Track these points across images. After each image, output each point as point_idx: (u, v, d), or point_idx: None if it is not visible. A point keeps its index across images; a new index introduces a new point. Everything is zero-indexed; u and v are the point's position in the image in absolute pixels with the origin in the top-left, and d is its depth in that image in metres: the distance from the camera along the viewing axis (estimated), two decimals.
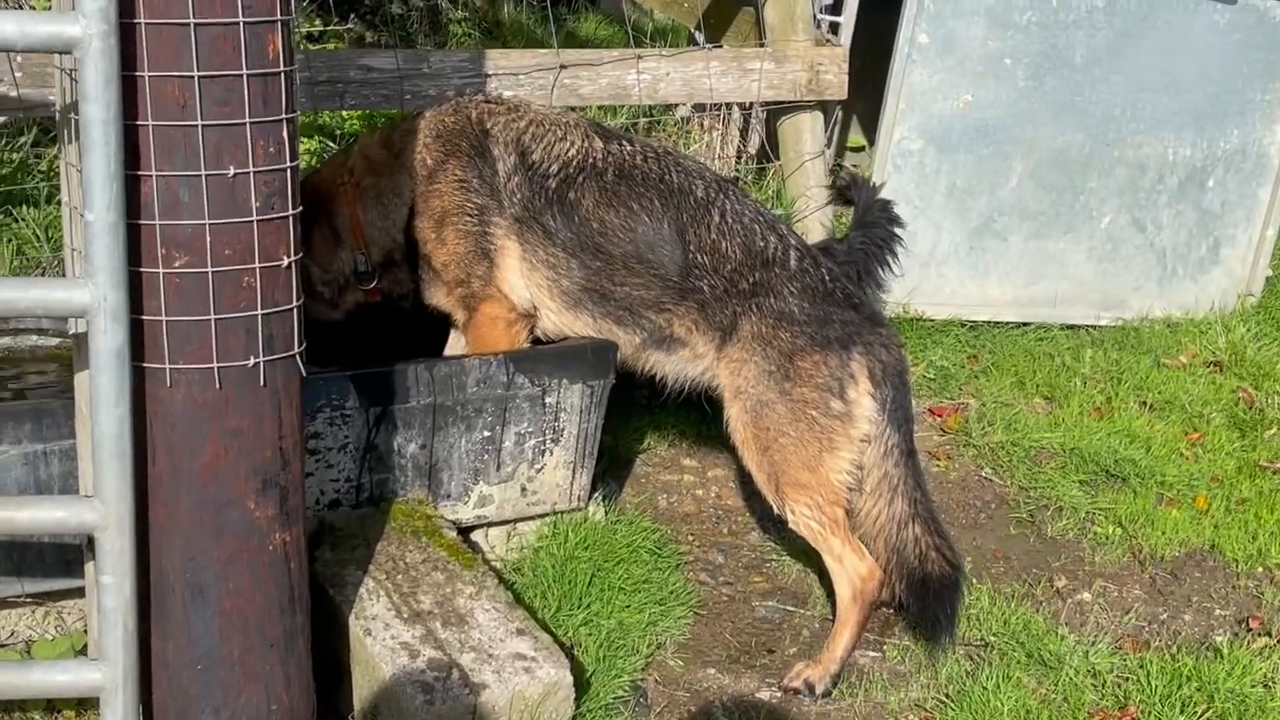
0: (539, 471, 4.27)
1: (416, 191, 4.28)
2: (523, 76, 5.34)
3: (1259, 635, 4.47)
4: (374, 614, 3.59)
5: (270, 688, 3.14)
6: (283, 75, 2.93)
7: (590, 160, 4.30)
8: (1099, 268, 6.74)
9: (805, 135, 6.17)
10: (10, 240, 5.03)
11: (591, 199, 4.25)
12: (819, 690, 4.09)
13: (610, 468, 5.23)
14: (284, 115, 2.95)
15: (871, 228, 5.52)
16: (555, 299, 4.32)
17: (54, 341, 4.34)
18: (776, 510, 4.27)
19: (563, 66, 5.42)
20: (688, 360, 4.36)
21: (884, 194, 5.68)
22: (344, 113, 6.04)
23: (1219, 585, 4.84)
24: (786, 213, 6.23)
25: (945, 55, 6.19)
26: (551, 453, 4.27)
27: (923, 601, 4.21)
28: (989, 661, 4.25)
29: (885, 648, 4.38)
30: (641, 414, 5.45)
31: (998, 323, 6.70)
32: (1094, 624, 4.54)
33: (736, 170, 6.95)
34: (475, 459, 4.15)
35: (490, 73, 5.26)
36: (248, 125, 2.88)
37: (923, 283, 6.54)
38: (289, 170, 2.98)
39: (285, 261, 3.00)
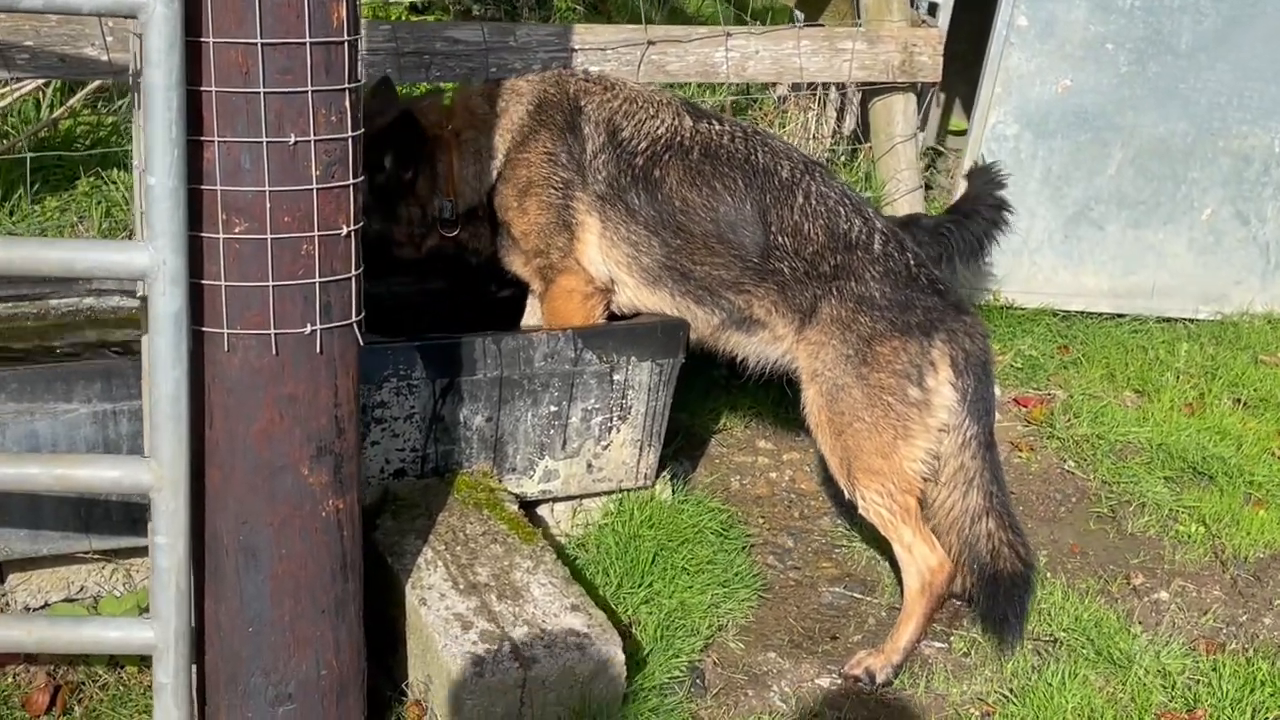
0: (605, 448, 4.26)
1: (508, 156, 4.27)
2: (609, 52, 5.32)
3: None
4: (430, 584, 3.60)
5: (320, 653, 3.16)
6: (346, 44, 2.94)
7: (678, 138, 4.27)
8: (1199, 260, 6.57)
9: (897, 117, 6.08)
10: (100, 202, 5.12)
11: (675, 177, 4.23)
12: (879, 679, 4.04)
13: (684, 447, 5.21)
14: (346, 84, 2.96)
15: (970, 217, 5.42)
16: (634, 275, 4.30)
17: (135, 303, 4.41)
18: (848, 495, 4.22)
19: (650, 43, 5.39)
20: (767, 342, 4.32)
21: (1008, 209, 5.54)
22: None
23: None
24: (876, 196, 6.15)
25: (1045, 39, 6.06)
26: (618, 430, 4.25)
27: (993, 598, 4.13)
28: (1056, 658, 4.17)
29: (952, 639, 4.31)
30: (719, 394, 5.42)
31: (1091, 313, 6.57)
32: (1169, 623, 4.44)
33: (831, 151, 6.87)
34: (541, 433, 4.14)
35: (577, 47, 5.25)
36: (309, 93, 2.90)
37: (1014, 270, 6.43)
38: (350, 140, 2.99)
39: (345, 230, 3.01)
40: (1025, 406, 5.80)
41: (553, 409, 4.13)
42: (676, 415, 5.30)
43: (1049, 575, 4.62)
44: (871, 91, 6.11)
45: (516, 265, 4.40)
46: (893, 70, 5.86)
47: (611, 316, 4.43)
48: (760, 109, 7.39)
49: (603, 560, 4.23)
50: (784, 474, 5.19)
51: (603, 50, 5.29)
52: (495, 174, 4.29)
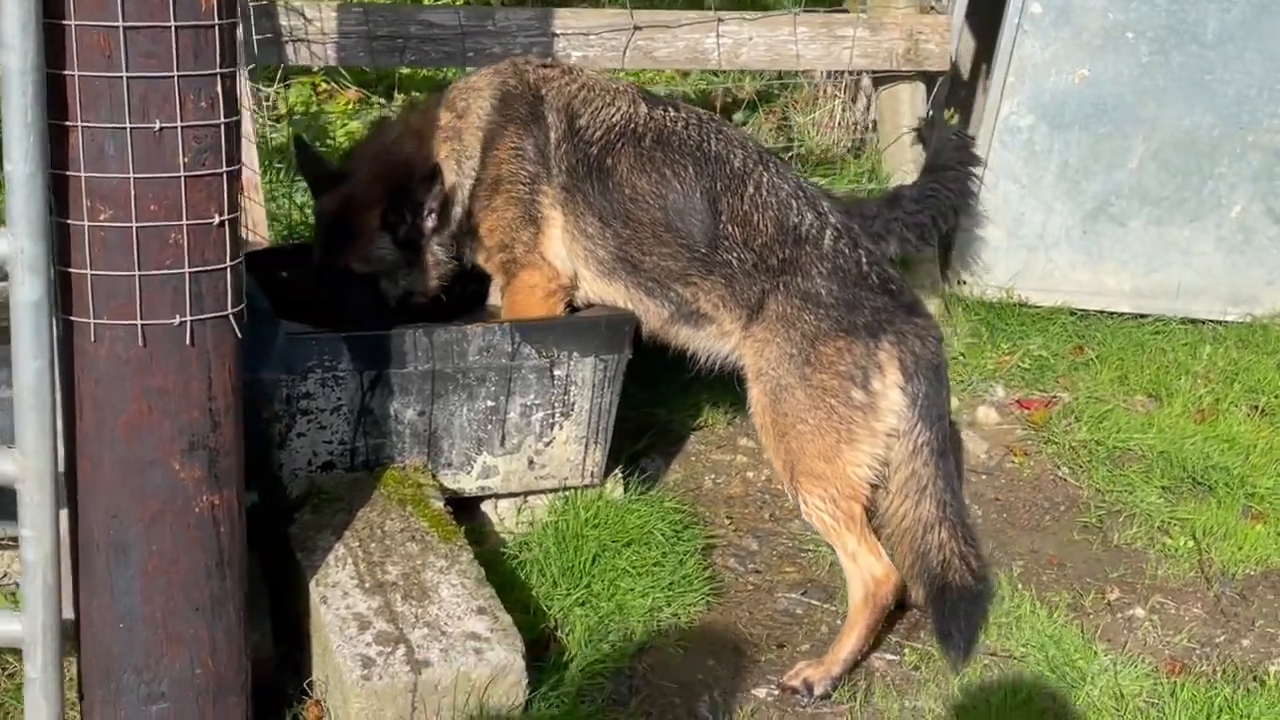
0: (548, 445, 4.15)
1: (481, 156, 4.18)
2: (593, 37, 5.20)
3: None
4: (335, 581, 3.52)
5: (195, 651, 3.09)
6: (218, 29, 2.85)
7: (632, 126, 4.16)
8: (1228, 259, 6.29)
9: (903, 107, 5.89)
10: None
11: (626, 164, 4.11)
12: (817, 691, 3.89)
13: (659, 443, 5.10)
14: (219, 69, 2.87)
15: (943, 170, 5.24)
16: (591, 268, 4.19)
17: None
18: (791, 500, 4.07)
19: (636, 28, 5.26)
20: (715, 337, 4.19)
21: (975, 147, 5.40)
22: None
23: None
24: (880, 187, 5.96)
25: (1060, 26, 5.82)
26: (561, 427, 4.14)
27: (939, 612, 3.96)
28: (1008, 675, 3.99)
29: (906, 651, 4.14)
30: (700, 389, 5.28)
31: (1111, 313, 6.32)
32: (1139, 642, 4.24)
33: (855, 139, 6.68)
34: (478, 429, 4.05)
35: (558, 32, 5.14)
36: (176, 78, 2.81)
37: (1029, 266, 6.21)
38: (224, 126, 2.90)
39: (217, 219, 2.92)
40: (1028, 409, 5.60)
41: (489, 404, 4.03)
42: (653, 410, 5.22)
43: (1020, 587, 4.43)
44: (880, 80, 5.91)
45: (480, 259, 4.30)
46: (897, 58, 5.67)
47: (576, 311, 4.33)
48: (792, 94, 7.23)
49: (541, 560, 4.12)
50: (761, 474, 5.05)
51: (586, 35, 5.17)
52: (474, 178, 4.20)
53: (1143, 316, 6.32)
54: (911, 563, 4.04)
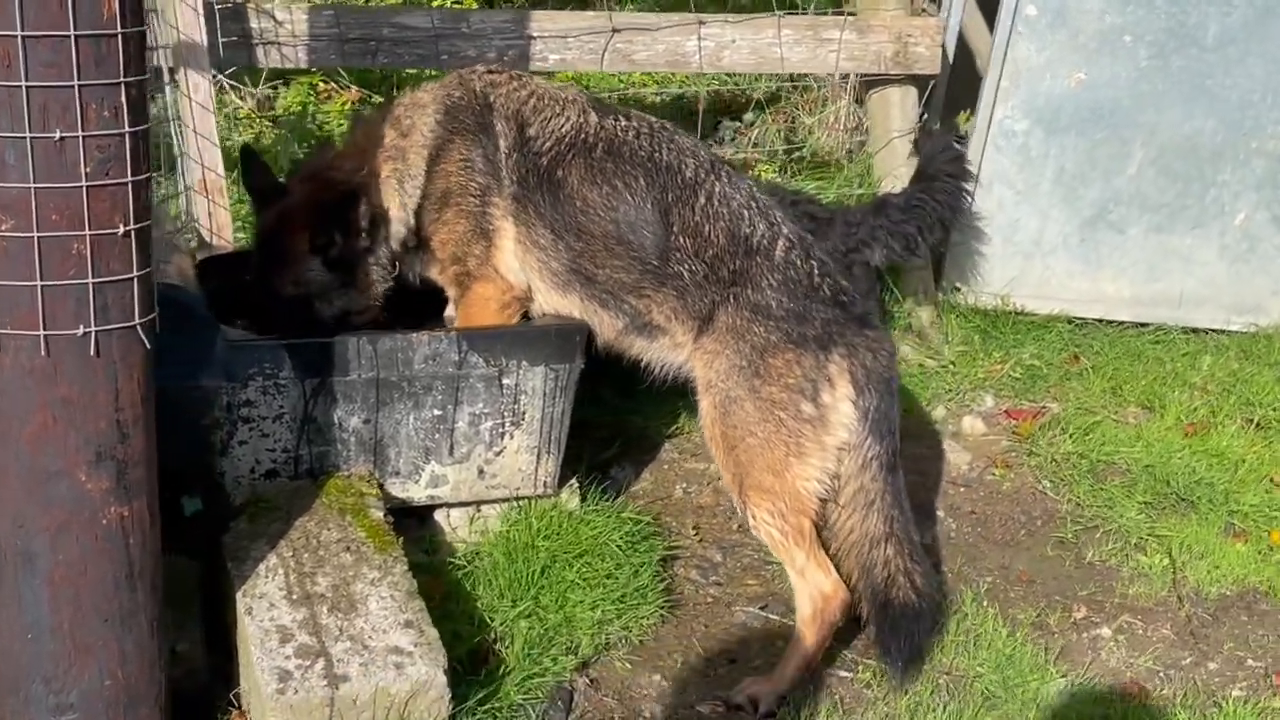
0: (498, 454, 4.11)
1: (427, 172, 4.12)
2: (571, 40, 5.15)
3: (1279, 694, 3.99)
4: (263, 592, 3.50)
5: (104, 663, 3.06)
6: (120, 37, 2.82)
7: (583, 136, 4.08)
8: (1232, 268, 6.15)
9: (894, 111, 5.79)
10: None
11: (577, 176, 4.04)
12: (762, 709, 3.83)
13: (631, 451, 5.05)
14: (123, 79, 2.84)
15: (932, 180, 5.17)
16: (545, 280, 4.13)
17: None
18: (740, 513, 4.01)
19: (615, 30, 5.21)
20: (668, 349, 4.13)
21: (967, 161, 5.33)
22: None
23: (1263, 632, 4.34)
24: (870, 193, 5.87)
25: (1056, 29, 5.71)
26: (512, 436, 4.10)
27: (880, 628, 3.89)
28: (959, 695, 3.91)
29: (860, 667, 4.07)
30: (677, 397, 5.20)
31: (1110, 321, 6.19)
32: (1101, 663, 4.14)
33: (858, 141, 6.59)
34: (425, 437, 4.01)
35: (535, 35, 5.09)
36: (77, 88, 2.78)
37: (1025, 274, 6.09)
38: (129, 135, 2.87)
39: (122, 229, 2.89)
40: (1015, 419, 5.49)
41: (437, 413, 4.00)
42: (629, 417, 5.17)
43: (985, 604, 4.34)
44: (870, 83, 5.83)
45: (433, 272, 4.26)
46: (885, 62, 5.58)
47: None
48: (803, 95, 7.14)
49: (489, 571, 4.08)
50: None
51: (564, 38, 5.12)
52: (419, 194, 4.14)
53: (1143, 325, 6.19)
54: (858, 578, 3.96)
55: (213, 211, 4.61)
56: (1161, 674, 4.13)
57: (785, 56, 5.43)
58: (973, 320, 6.04)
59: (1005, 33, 5.68)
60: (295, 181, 4.15)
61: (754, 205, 4.03)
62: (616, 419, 5.15)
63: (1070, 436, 5.30)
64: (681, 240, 3.98)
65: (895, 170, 5.81)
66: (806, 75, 6.72)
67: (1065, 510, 4.92)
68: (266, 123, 6.46)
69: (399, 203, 4.10)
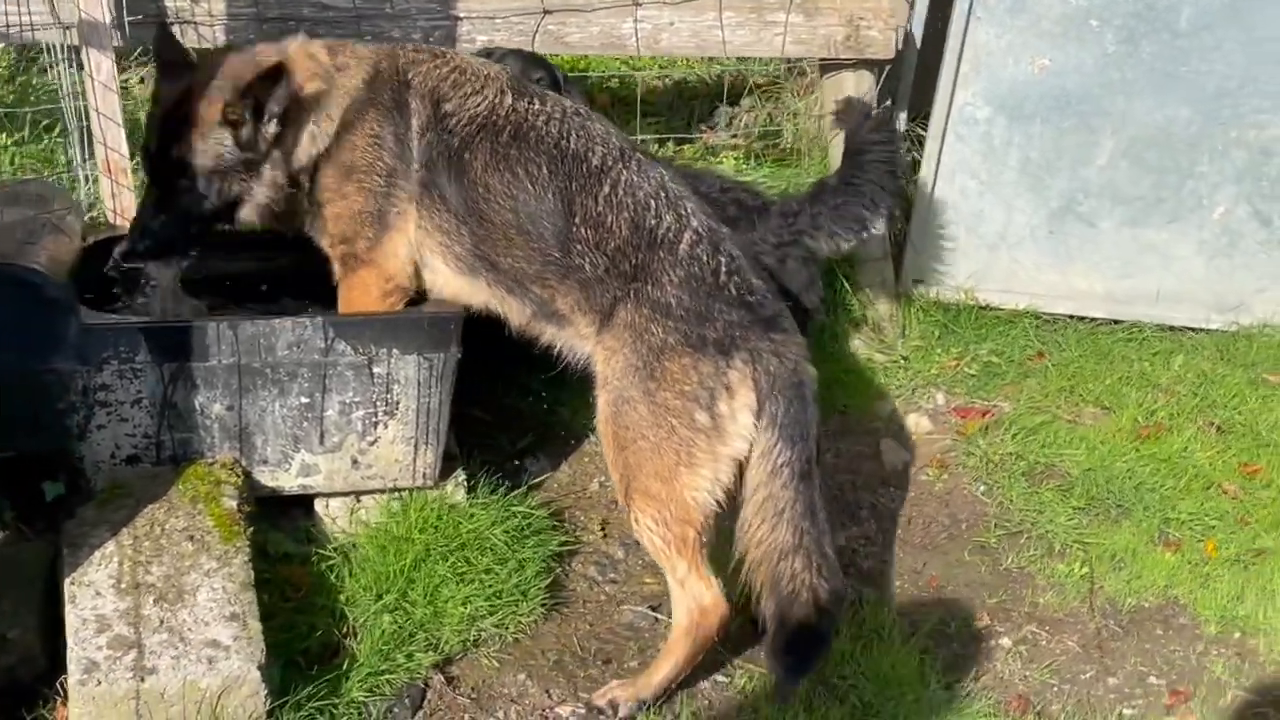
0: (372, 444, 4.02)
1: (337, 129, 3.96)
2: (499, 21, 5.04)
3: (1170, 713, 3.78)
4: (90, 580, 3.44)
5: None
6: None
7: (493, 119, 3.95)
8: (1212, 263, 5.88)
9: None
10: None
11: (481, 161, 3.91)
12: (622, 713, 3.70)
13: (553, 442, 4.92)
14: None
15: (860, 154, 4.91)
16: (449, 264, 4.01)
17: None
18: (625, 515, 3.87)
19: (547, 11, 5.08)
20: (575, 338, 3.95)
21: (892, 124, 5.09)
22: None
23: (1173, 648, 4.13)
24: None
25: (1016, 13, 5.48)
26: (385, 426, 4.00)
27: (773, 642, 3.68)
28: (832, 703, 3.75)
29: (738, 674, 3.93)
30: None
31: (1082, 317, 5.94)
32: (994, 675, 3.97)
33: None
34: (293, 425, 3.93)
35: (461, 15, 4.99)
36: None
37: (990, 267, 5.87)
38: None
39: None
40: (963, 418, 5.29)
41: (304, 400, 3.91)
42: (557, 409, 5.04)
43: (886, 609, 4.18)
44: (825, 68, 5.64)
45: (322, 242, 4.15)
46: (835, 46, 5.40)
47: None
48: (797, 80, 6.96)
49: (357, 564, 3.99)
50: None
51: (492, 19, 5.01)
52: (325, 145, 4.03)
53: (1117, 322, 5.94)
54: (767, 590, 3.78)
55: (117, 193, 4.56)
56: (1055, 688, 3.95)
57: (728, 40, 5.26)
58: (933, 314, 5.83)
59: (963, 17, 5.46)
60: (211, 57, 4.05)
61: (663, 195, 3.84)
62: (542, 409, 5.03)
63: (1013, 437, 5.10)
64: (583, 231, 3.81)
65: None
66: (802, 59, 6.54)
67: (992, 514, 4.72)
68: None
69: (310, 130, 3.92)
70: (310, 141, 3.92)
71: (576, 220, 3.82)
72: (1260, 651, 4.08)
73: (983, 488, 4.87)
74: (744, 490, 3.73)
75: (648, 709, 3.73)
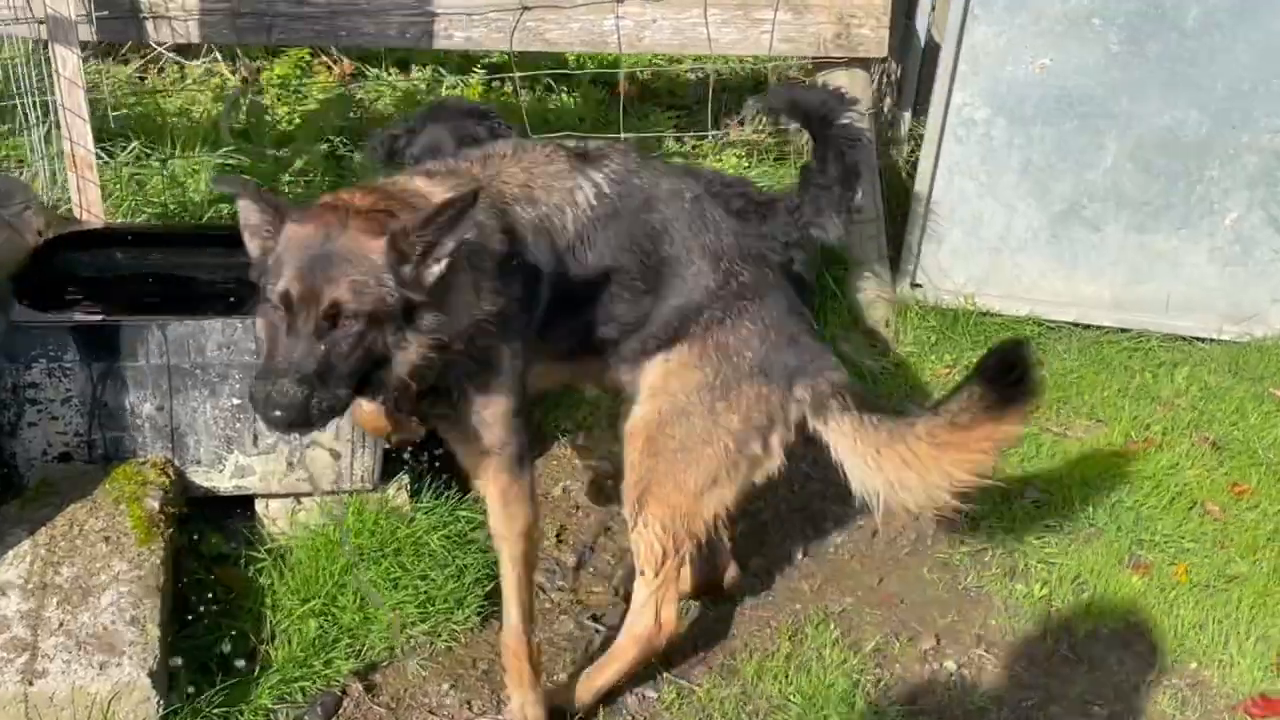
0: (308, 447, 3.99)
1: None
2: (477, 17, 4.98)
3: None
4: (1, 580, 3.44)
5: None
6: None
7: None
8: (1225, 271, 5.67)
9: None
10: None
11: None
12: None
13: None
14: None
15: (827, 124, 4.63)
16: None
17: None
18: (629, 512, 3.72)
19: (525, 8, 5.01)
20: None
21: (838, 90, 4.73)
22: None
23: (1124, 678, 3.97)
24: None
25: (1015, 11, 5.32)
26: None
27: None
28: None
29: (665, 686, 3.85)
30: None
31: (1087, 325, 5.76)
32: (932, 700, 3.84)
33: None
34: (226, 426, 3.91)
35: (438, 11, 4.94)
36: None
37: (991, 272, 5.73)
38: None
39: None
40: None
41: (236, 402, 3.89)
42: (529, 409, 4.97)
43: (831, 626, 4.08)
44: (818, 66, 5.51)
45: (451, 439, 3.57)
46: (825, 44, 5.27)
47: None
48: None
49: (290, 567, 3.96)
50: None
51: (469, 15, 4.96)
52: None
53: (1124, 331, 5.75)
54: None
55: (82, 187, 4.58)
56: (992, 715, 3.81)
57: (714, 37, 5.16)
58: (929, 320, 5.70)
59: (959, 15, 5.32)
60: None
61: None
62: None
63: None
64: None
65: None
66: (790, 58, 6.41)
67: (961, 529, 4.58)
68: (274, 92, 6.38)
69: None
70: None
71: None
72: (1212, 684, 3.91)
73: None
74: None
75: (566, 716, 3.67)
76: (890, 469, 3.56)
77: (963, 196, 5.60)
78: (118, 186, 5.25)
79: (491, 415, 3.36)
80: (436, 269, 3.00)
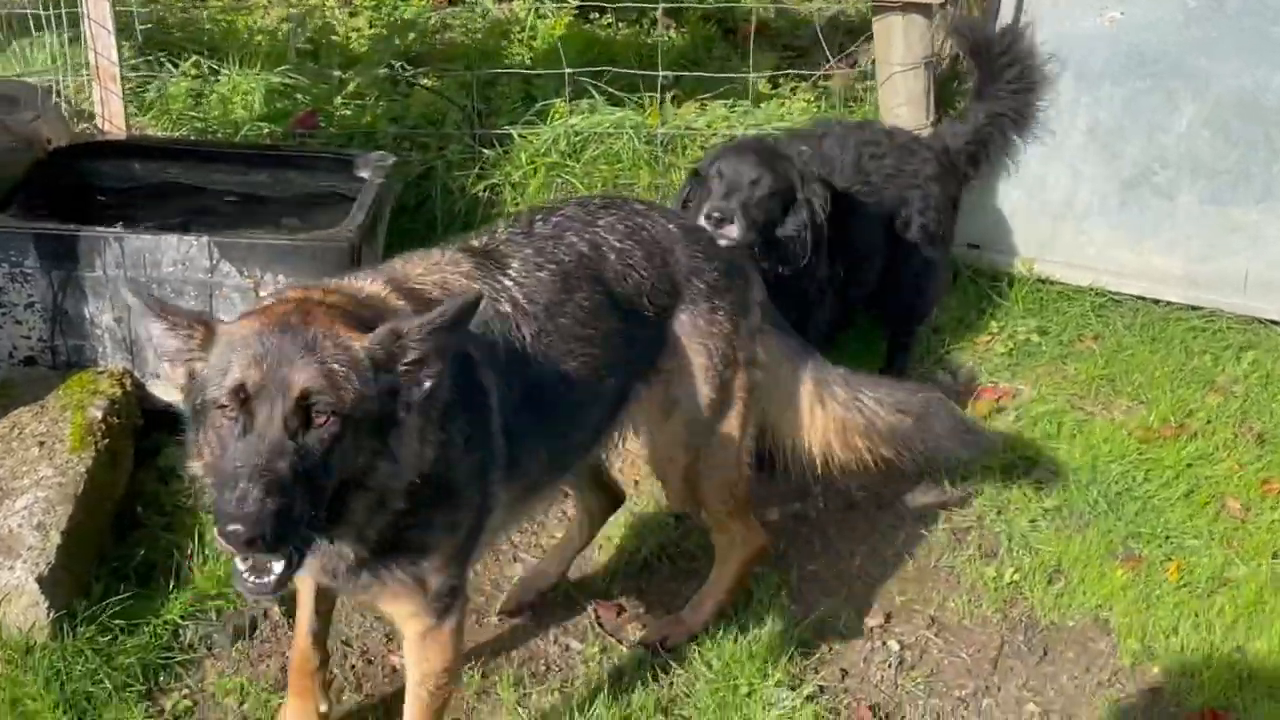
0: None
1: None
2: None
3: None
4: None
5: None
6: None
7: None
8: None
9: (896, 42, 5.21)
10: None
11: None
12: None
13: None
14: None
15: (995, 100, 4.88)
16: None
17: None
18: None
19: None
20: None
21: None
22: None
23: (1071, 675, 3.73)
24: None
25: None
26: None
27: None
28: (670, 681, 3.57)
29: (591, 639, 3.77)
30: None
31: (1153, 300, 5.40)
32: (862, 677, 3.68)
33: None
34: None
35: None
36: None
37: (1054, 238, 5.42)
38: None
39: None
40: (976, 398, 4.90)
41: None
42: None
43: (781, 592, 3.93)
44: (877, 9, 5.26)
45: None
46: None
47: None
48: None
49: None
50: None
51: None
52: None
53: (1195, 309, 5.37)
54: None
55: (105, 99, 4.67)
56: (920, 702, 3.62)
57: None
58: (981, 282, 5.43)
59: None
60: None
61: None
62: None
63: (1013, 423, 4.69)
64: None
65: (896, 109, 5.25)
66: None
67: (952, 505, 4.36)
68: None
69: None
70: None
71: None
72: (1166, 693, 3.63)
73: (954, 477, 4.49)
74: None
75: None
76: None
77: (1025, 157, 5.28)
78: (162, 100, 5.34)
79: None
80: (427, 385, 2.55)
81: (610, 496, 3.89)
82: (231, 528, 2.33)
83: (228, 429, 2.43)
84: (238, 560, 2.48)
